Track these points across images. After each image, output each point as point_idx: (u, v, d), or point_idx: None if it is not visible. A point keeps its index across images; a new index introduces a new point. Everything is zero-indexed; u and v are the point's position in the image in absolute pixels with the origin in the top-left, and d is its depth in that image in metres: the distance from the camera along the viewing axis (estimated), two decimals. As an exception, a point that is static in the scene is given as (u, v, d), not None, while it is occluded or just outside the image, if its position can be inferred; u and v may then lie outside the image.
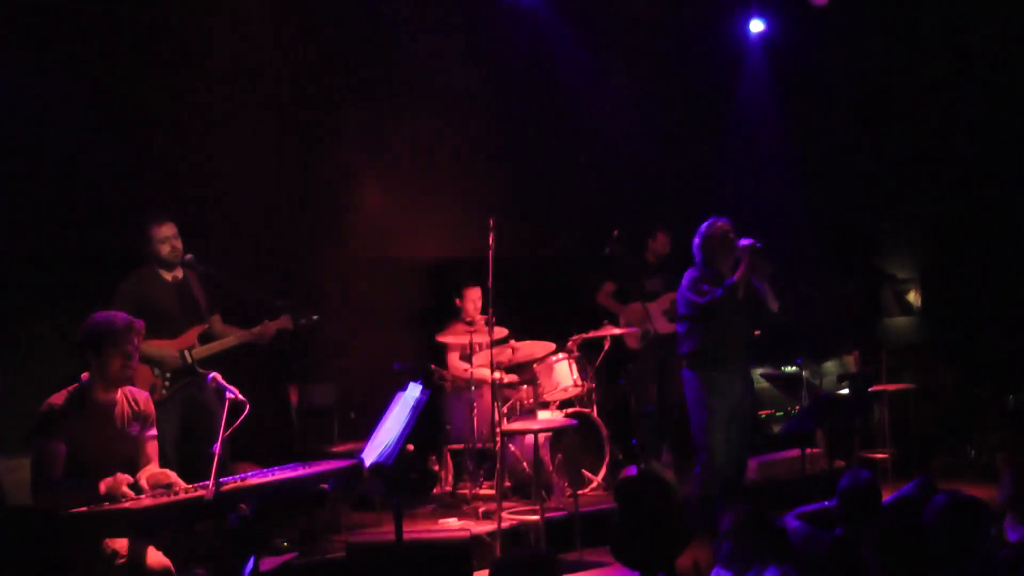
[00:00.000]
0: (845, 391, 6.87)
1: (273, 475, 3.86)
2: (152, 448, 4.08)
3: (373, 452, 4.01)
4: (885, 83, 8.41)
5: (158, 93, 6.17)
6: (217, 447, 3.56)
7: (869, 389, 6.93)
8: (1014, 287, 7.82)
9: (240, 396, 3.80)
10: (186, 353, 5.22)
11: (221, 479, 3.56)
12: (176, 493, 3.69)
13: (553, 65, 7.97)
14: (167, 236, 5.24)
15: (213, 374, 3.98)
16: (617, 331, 6.94)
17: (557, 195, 8.09)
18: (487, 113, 7.67)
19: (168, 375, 5.17)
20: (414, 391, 4.12)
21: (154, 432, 4.12)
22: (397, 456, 3.94)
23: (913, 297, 8.63)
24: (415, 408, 4.06)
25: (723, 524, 4.67)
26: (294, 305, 5.57)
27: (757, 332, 5.76)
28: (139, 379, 4.83)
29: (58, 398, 3.89)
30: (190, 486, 3.79)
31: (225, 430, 3.63)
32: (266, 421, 5.90)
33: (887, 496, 4.43)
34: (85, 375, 3.96)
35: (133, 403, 4.06)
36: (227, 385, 3.87)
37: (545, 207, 8.01)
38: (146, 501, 3.60)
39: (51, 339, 5.52)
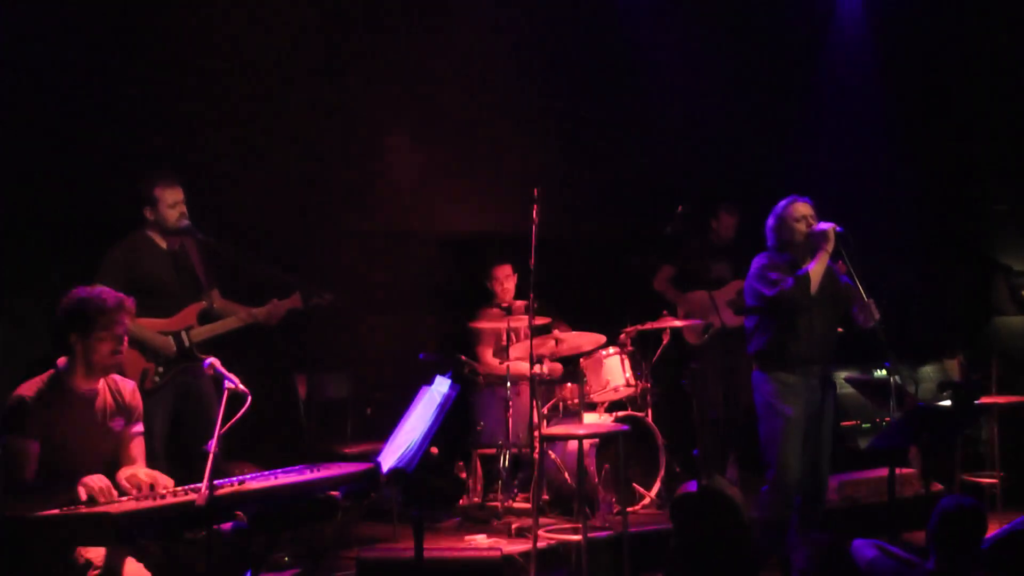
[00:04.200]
0: (946, 402, 6.75)
1: (276, 479, 3.88)
2: (138, 446, 4.10)
3: (392, 455, 4.02)
4: (1005, 38, 8.20)
5: (158, 47, 6.19)
6: (212, 444, 3.55)
7: (975, 401, 6.82)
8: None
9: (241, 386, 3.81)
10: (183, 335, 5.25)
11: (216, 482, 3.54)
12: (162, 496, 3.69)
13: (609, 16, 7.89)
14: (177, 201, 5.28)
15: (211, 359, 4.00)
16: (678, 323, 6.89)
17: (612, 164, 8.02)
18: (531, 70, 7.62)
19: (162, 360, 5.18)
20: (441, 386, 4.12)
21: (140, 428, 4.14)
22: (419, 461, 3.93)
23: (1032, 293, 8.46)
24: (442, 406, 4.06)
25: (798, 558, 4.61)
26: (305, 282, 5.58)
27: (840, 329, 5.68)
28: (128, 365, 4.87)
29: (29, 388, 3.89)
30: (179, 489, 3.79)
31: (222, 425, 3.63)
32: (270, 416, 5.93)
33: (993, 530, 4.35)
34: (62, 360, 3.97)
35: (117, 394, 4.07)
36: (227, 373, 3.88)
37: (597, 178, 7.94)
38: (128, 505, 3.60)
39: (28, 316, 5.56)
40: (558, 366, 6.86)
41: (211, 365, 3.96)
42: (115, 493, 3.73)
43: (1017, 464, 7.12)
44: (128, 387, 4.13)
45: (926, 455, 6.35)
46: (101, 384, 4.02)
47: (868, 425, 7.36)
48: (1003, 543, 4.25)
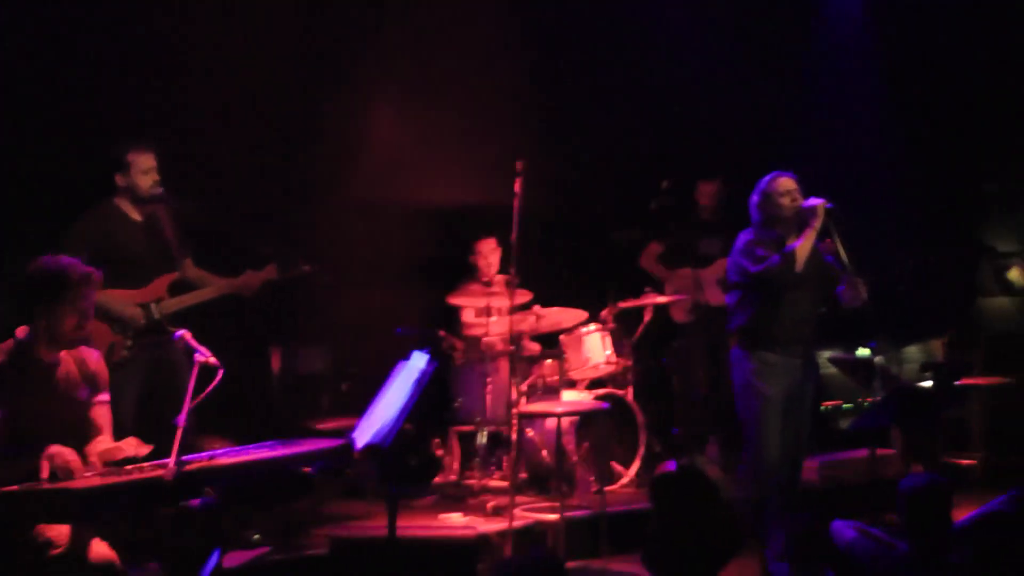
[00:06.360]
0: (929, 383, 6.80)
1: (247, 454, 3.88)
2: (103, 415, 4.07)
3: (367, 431, 4.02)
4: (1000, 16, 8.18)
5: (135, 11, 6.12)
6: (182, 418, 3.55)
7: (958, 382, 6.86)
8: None
9: (212, 359, 3.82)
10: (153, 307, 5.21)
11: (185, 457, 3.55)
12: (128, 472, 3.67)
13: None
14: (150, 167, 5.24)
15: (182, 332, 4.00)
16: (662, 300, 6.89)
17: (597, 136, 8.00)
18: (516, 38, 7.56)
19: (131, 332, 5.15)
20: (419, 361, 4.12)
21: (106, 397, 4.10)
22: (395, 437, 3.93)
23: (1016, 275, 8.47)
24: (419, 381, 4.06)
25: (775, 538, 4.64)
26: (281, 253, 5.55)
27: (823, 309, 5.70)
28: (95, 338, 4.83)
29: None
30: (146, 464, 3.77)
31: (192, 399, 3.63)
32: (243, 390, 5.92)
33: (973, 510, 4.37)
34: (22, 330, 3.93)
35: (81, 363, 4.04)
36: (198, 345, 3.89)
37: (583, 152, 7.92)
38: (92, 480, 3.58)
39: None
40: (536, 346, 6.86)
41: (182, 338, 3.97)
42: (80, 469, 3.69)
43: (1000, 445, 7.18)
44: (92, 356, 4.10)
45: (908, 435, 6.41)
46: (64, 353, 3.99)
47: (850, 405, 7.41)
48: (982, 523, 4.27)
